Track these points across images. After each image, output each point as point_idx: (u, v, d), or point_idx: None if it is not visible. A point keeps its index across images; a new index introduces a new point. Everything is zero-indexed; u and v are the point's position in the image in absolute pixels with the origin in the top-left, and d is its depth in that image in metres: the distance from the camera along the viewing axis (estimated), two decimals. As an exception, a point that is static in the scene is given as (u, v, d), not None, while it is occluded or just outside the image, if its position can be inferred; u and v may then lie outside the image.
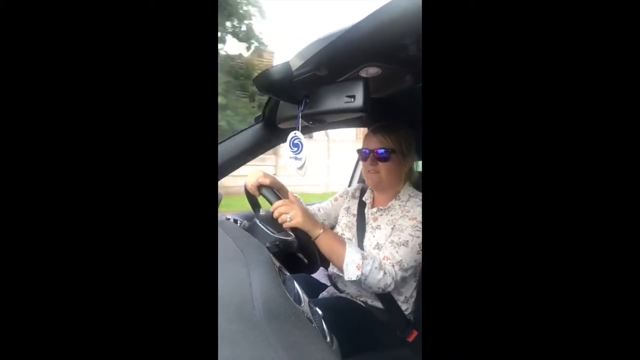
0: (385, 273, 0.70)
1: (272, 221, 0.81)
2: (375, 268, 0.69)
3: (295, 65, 0.59)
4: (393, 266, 0.72)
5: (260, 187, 0.80)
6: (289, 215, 0.70)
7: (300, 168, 0.70)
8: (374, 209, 0.88)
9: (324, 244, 0.70)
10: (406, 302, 0.83)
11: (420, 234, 0.75)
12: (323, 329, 0.46)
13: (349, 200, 0.98)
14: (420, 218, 0.77)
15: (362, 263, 0.68)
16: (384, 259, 0.74)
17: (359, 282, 0.71)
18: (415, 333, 0.82)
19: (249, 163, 1.00)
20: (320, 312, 0.50)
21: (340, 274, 0.71)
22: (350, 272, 0.68)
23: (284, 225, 0.71)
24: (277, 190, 0.80)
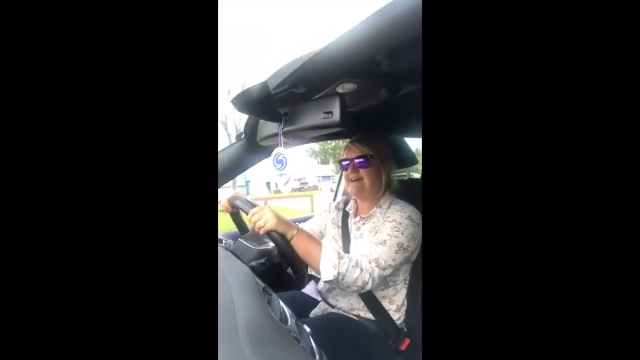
0: (362, 270, 0.70)
1: (255, 237, 0.81)
2: (352, 266, 0.70)
3: (273, 84, 0.59)
4: (370, 262, 0.73)
5: (231, 200, 0.83)
6: (261, 219, 0.70)
7: (286, 184, 0.70)
8: (357, 218, 0.90)
9: (300, 244, 0.70)
10: (398, 310, 0.83)
11: (399, 234, 0.76)
12: (311, 347, 0.45)
13: (333, 212, 0.99)
14: (400, 220, 0.78)
15: (339, 262, 0.68)
16: (361, 256, 0.74)
17: (341, 288, 0.70)
18: (407, 341, 0.82)
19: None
20: (308, 329, 0.49)
21: (319, 276, 0.70)
22: (327, 272, 0.68)
23: (260, 232, 0.71)
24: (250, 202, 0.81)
